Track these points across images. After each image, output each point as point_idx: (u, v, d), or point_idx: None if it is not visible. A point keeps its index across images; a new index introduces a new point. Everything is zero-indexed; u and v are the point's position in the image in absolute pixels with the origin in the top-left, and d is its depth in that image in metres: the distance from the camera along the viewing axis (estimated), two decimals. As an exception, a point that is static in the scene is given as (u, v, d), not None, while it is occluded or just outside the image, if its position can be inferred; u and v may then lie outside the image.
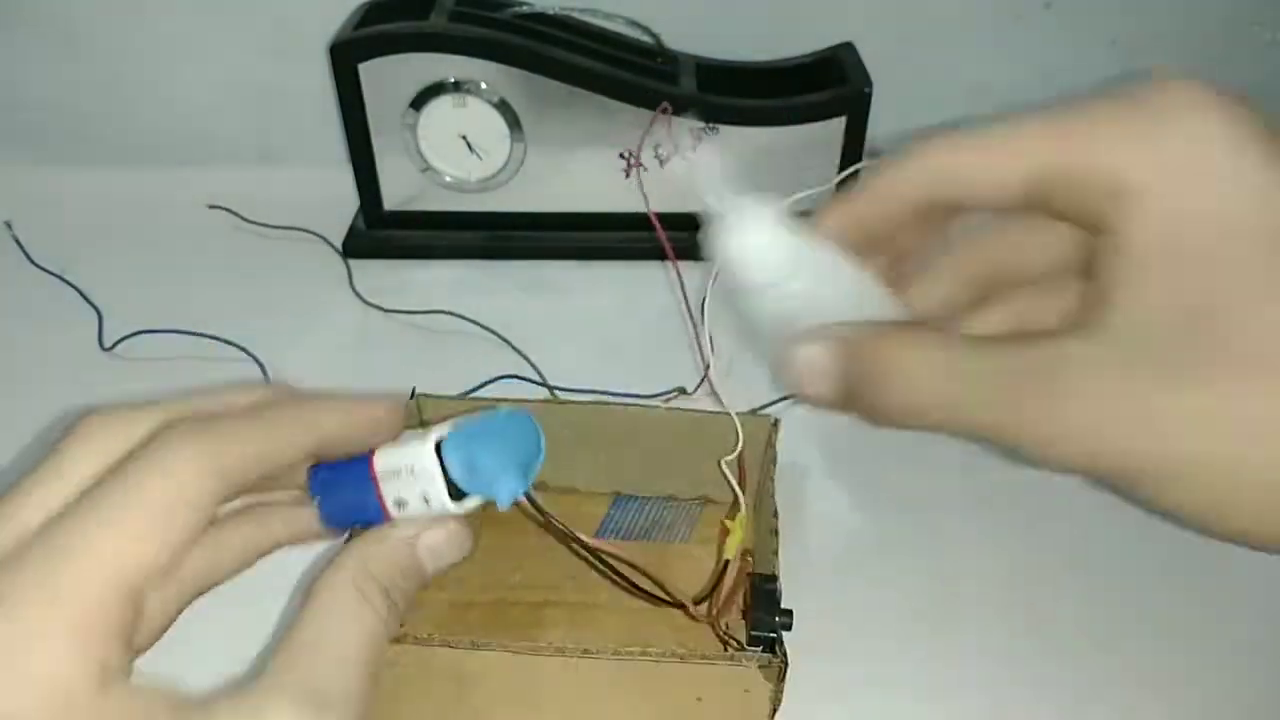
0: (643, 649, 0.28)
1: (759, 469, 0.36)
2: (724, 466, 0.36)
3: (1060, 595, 0.37)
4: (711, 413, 0.37)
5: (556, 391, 0.45)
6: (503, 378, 0.45)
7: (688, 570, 0.36)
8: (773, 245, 0.27)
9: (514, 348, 0.47)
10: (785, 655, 0.28)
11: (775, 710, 0.30)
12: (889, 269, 0.28)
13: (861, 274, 0.27)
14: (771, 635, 0.29)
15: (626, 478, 0.39)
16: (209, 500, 0.21)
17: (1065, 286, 0.26)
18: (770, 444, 0.36)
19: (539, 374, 0.45)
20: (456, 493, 0.24)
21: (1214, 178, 0.21)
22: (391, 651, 0.27)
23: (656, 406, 0.37)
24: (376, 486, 0.24)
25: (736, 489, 0.34)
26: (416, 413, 0.37)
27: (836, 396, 0.26)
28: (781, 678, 0.29)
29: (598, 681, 0.29)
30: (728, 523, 0.34)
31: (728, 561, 0.32)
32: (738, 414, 0.36)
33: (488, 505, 0.24)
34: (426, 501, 0.24)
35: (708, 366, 0.45)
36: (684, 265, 0.50)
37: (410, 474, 0.24)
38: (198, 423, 0.23)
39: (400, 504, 0.24)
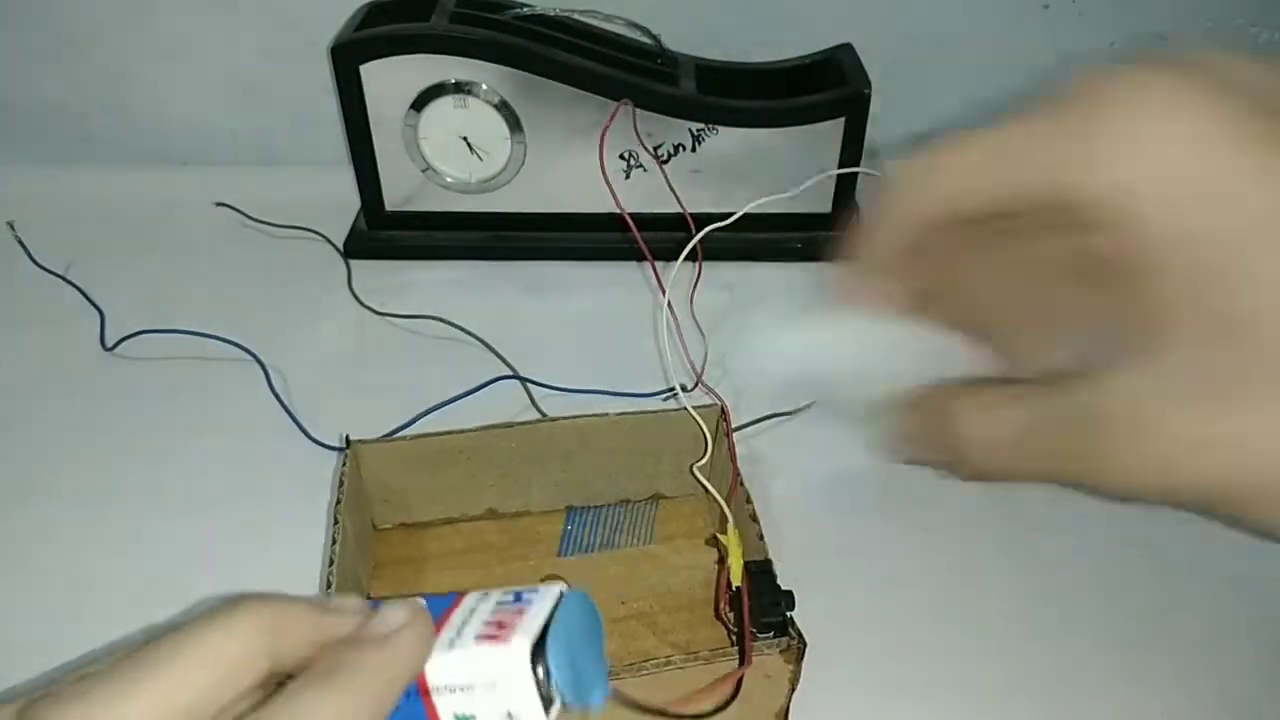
0: (666, 658, 0.28)
1: (720, 460, 0.37)
2: (696, 473, 0.36)
3: (1042, 568, 0.37)
4: (654, 412, 0.37)
5: (551, 392, 0.45)
6: (500, 379, 0.45)
7: (659, 573, 0.37)
8: (809, 357, 0.28)
9: (499, 355, 0.47)
10: (801, 634, 0.29)
11: (794, 689, 0.31)
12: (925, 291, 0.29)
13: (892, 330, 0.29)
14: (780, 619, 0.30)
15: (578, 490, 0.39)
16: (262, 655, 0.20)
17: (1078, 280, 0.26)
18: (725, 433, 0.36)
19: (519, 377, 0.46)
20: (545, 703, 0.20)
21: (1200, 194, 0.21)
22: None
23: (605, 414, 0.37)
24: (430, 708, 0.21)
25: (722, 503, 0.34)
26: (353, 463, 0.35)
27: (930, 456, 0.28)
28: (800, 658, 0.29)
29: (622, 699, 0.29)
30: (722, 539, 0.33)
31: (739, 588, 0.32)
32: (688, 409, 0.37)
33: None
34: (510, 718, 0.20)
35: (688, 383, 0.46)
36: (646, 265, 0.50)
37: (487, 689, 0.20)
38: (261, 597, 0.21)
39: None
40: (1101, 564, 0.38)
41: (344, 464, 0.35)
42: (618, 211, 0.52)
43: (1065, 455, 0.24)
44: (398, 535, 0.38)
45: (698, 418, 0.36)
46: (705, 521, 0.39)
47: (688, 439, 0.37)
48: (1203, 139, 0.21)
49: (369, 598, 0.28)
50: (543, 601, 0.22)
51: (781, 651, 0.29)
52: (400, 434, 0.39)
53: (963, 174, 0.25)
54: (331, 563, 0.31)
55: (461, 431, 0.36)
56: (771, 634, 0.29)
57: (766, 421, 0.43)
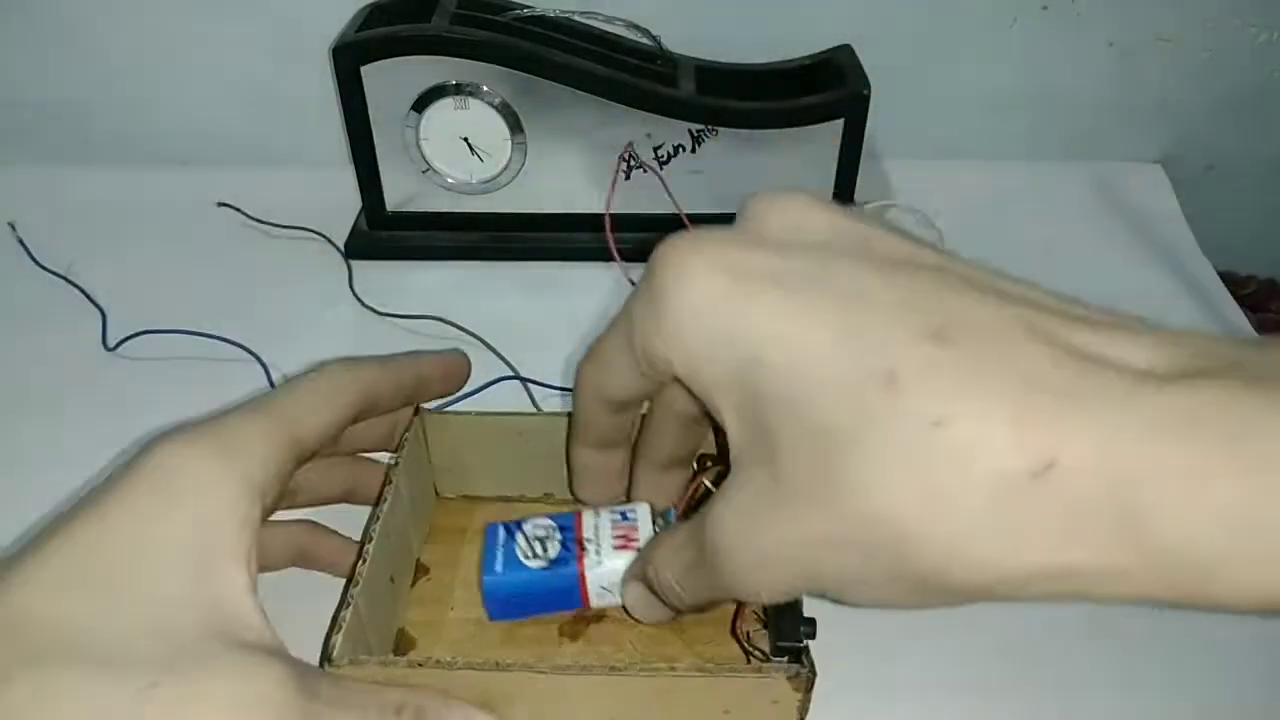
0: (670, 664, 0.28)
1: None
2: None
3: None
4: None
5: (554, 391, 0.45)
6: (503, 379, 0.45)
7: None
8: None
9: (499, 355, 0.47)
10: (813, 665, 0.29)
11: (802, 719, 0.30)
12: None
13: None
14: (797, 646, 0.29)
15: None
16: (353, 400, 0.32)
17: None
18: None
19: (520, 377, 0.46)
20: None
21: (699, 332, 0.24)
22: (414, 676, 0.28)
23: None
24: (584, 595, 0.33)
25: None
26: (418, 429, 0.37)
27: (661, 611, 0.31)
28: (809, 688, 0.29)
29: (624, 698, 0.29)
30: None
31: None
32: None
33: None
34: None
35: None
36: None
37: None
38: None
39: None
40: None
41: (408, 429, 0.36)
42: (618, 212, 0.53)
43: (707, 578, 0.26)
44: (459, 505, 0.39)
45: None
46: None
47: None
48: (706, 290, 0.23)
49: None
50: (644, 518, 0.33)
51: (790, 678, 0.28)
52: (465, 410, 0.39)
53: (600, 371, 0.29)
54: (377, 519, 0.32)
55: (523, 414, 0.38)
56: (786, 659, 0.29)
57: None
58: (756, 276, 0.23)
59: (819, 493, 0.21)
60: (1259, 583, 0.18)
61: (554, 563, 0.33)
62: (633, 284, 0.41)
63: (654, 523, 0.33)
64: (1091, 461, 0.18)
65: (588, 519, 0.34)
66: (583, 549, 0.32)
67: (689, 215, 0.53)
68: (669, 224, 0.49)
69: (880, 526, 0.20)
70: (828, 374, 0.21)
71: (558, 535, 0.33)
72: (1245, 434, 0.18)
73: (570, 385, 0.44)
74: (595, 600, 0.33)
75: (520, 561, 0.33)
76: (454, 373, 0.37)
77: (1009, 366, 0.20)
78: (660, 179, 0.51)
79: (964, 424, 0.19)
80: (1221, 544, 0.18)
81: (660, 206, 0.52)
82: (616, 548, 0.32)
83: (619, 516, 0.33)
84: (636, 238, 0.53)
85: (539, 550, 0.33)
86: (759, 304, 0.23)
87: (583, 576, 0.32)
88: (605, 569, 0.32)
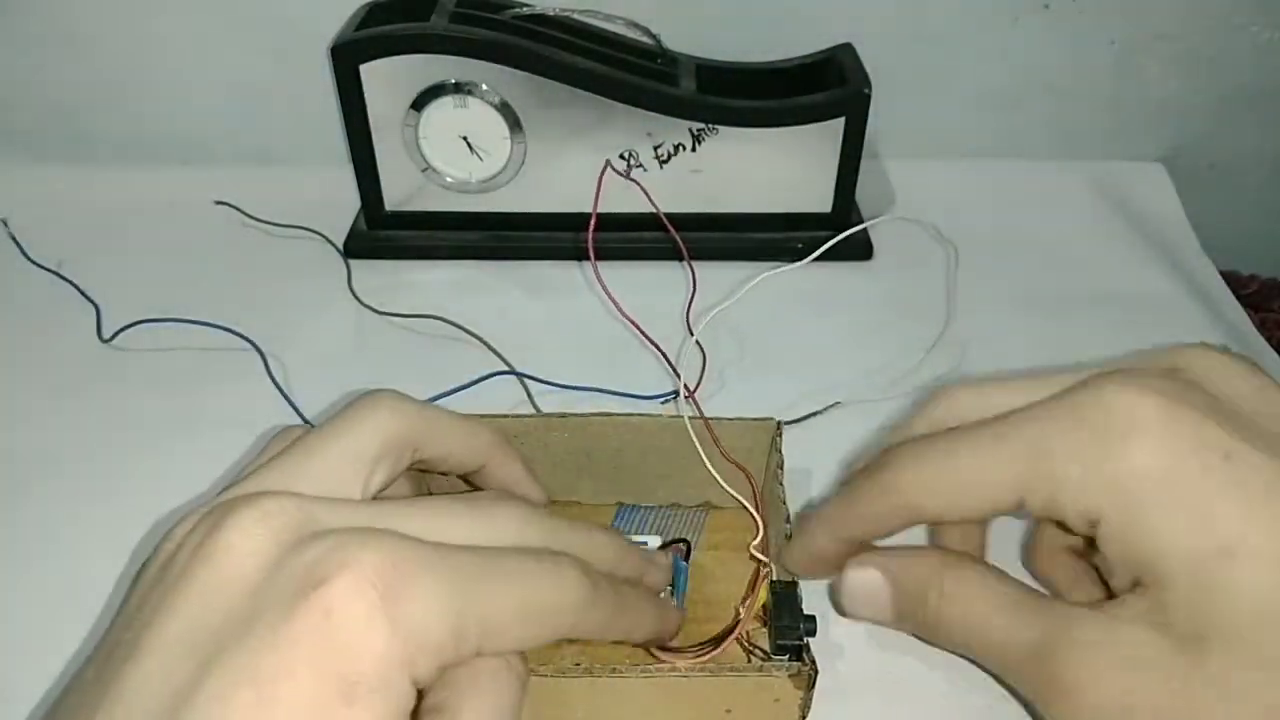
0: (671, 665, 0.28)
1: (767, 474, 0.36)
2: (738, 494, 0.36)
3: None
4: (710, 419, 0.36)
5: (551, 388, 0.45)
6: (495, 374, 0.45)
7: (697, 581, 0.36)
8: None
9: (496, 353, 0.47)
10: (814, 662, 0.28)
11: (804, 717, 0.30)
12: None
13: None
14: (798, 643, 0.29)
15: (628, 488, 0.39)
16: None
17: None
18: (775, 448, 0.36)
19: (515, 372, 0.46)
20: None
21: (1165, 507, 0.23)
22: None
23: (657, 415, 0.37)
24: None
25: (759, 519, 0.35)
26: None
27: (890, 615, 0.29)
28: (811, 685, 0.29)
29: (625, 700, 0.29)
30: (759, 556, 0.34)
31: (737, 622, 0.32)
32: (740, 420, 0.36)
33: None
34: None
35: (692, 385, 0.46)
36: (648, 265, 0.50)
37: None
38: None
39: None
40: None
41: None
42: (618, 212, 0.53)
43: (1042, 655, 0.25)
44: None
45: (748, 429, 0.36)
46: (753, 536, 0.37)
47: (741, 451, 0.36)
48: (1184, 466, 0.23)
49: None
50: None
51: (791, 676, 0.28)
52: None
53: (944, 480, 0.27)
54: None
55: (518, 416, 0.37)
56: (787, 657, 0.29)
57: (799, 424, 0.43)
58: (1239, 464, 0.23)
59: (1257, 689, 0.22)
60: None
61: None
62: (604, 287, 0.42)
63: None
64: None
65: None
66: None
67: (689, 215, 0.53)
68: (674, 223, 0.48)
69: None
70: None
71: None
72: None
73: (569, 383, 0.45)
74: None
75: None
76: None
77: None
78: (642, 189, 0.51)
79: None
80: None
81: (662, 206, 0.52)
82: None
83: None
84: (637, 236, 0.53)
85: None
86: (1240, 493, 0.23)
87: None
88: None
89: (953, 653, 0.28)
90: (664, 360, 0.43)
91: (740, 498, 0.35)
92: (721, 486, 0.35)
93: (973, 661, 0.28)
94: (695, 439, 0.35)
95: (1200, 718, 0.23)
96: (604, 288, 0.42)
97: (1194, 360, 0.26)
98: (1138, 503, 0.23)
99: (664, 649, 0.31)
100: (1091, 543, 0.25)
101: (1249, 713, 0.22)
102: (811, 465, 0.41)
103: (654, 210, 0.50)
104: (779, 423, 0.36)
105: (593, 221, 0.45)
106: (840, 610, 0.30)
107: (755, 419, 0.36)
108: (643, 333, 0.41)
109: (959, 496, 0.26)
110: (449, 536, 0.21)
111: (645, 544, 0.35)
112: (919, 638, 0.29)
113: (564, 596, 0.22)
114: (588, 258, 0.54)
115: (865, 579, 0.29)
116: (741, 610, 0.32)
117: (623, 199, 0.52)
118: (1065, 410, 0.25)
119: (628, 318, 0.41)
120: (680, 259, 0.49)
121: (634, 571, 0.28)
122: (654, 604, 0.29)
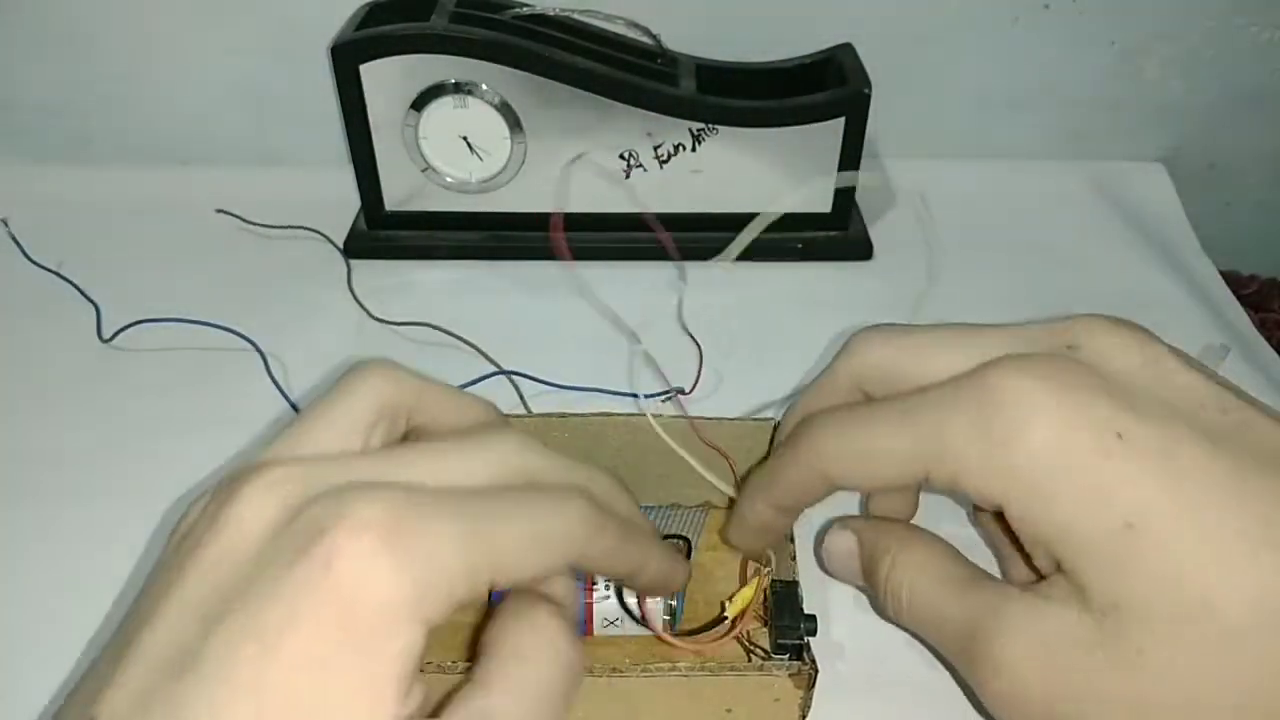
0: (672, 664, 0.28)
1: None
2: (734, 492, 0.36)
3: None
4: (709, 419, 0.36)
5: (551, 388, 0.45)
6: (492, 374, 0.45)
7: (695, 581, 0.36)
8: None
9: (487, 357, 0.47)
10: (814, 662, 0.28)
11: (804, 716, 0.30)
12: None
13: None
14: (798, 643, 0.29)
15: (630, 486, 0.39)
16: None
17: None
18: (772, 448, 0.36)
19: (505, 371, 0.46)
20: None
21: (1064, 490, 0.24)
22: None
23: (659, 415, 0.37)
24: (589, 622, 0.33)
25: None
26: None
27: (860, 577, 0.31)
28: (811, 685, 0.29)
29: (626, 700, 0.29)
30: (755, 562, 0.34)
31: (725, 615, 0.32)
32: (740, 420, 0.36)
33: None
34: None
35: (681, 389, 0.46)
36: (649, 265, 0.50)
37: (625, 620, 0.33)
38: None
39: None
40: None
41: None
42: (618, 212, 0.53)
43: (974, 630, 0.26)
44: None
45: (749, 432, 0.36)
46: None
47: (740, 452, 0.36)
48: (1076, 447, 0.24)
49: None
50: None
51: (791, 675, 0.28)
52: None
53: (848, 451, 0.28)
54: None
55: (519, 416, 0.37)
56: (787, 656, 0.29)
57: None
58: (1132, 439, 0.23)
59: (1178, 660, 0.22)
60: None
61: None
62: (580, 278, 0.42)
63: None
64: None
65: None
66: (592, 581, 0.32)
67: (689, 215, 0.53)
68: (672, 223, 0.48)
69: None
70: (1226, 557, 0.22)
71: None
72: None
73: (567, 384, 0.45)
74: (599, 630, 0.33)
75: None
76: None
77: None
78: (624, 188, 0.51)
79: None
80: None
81: (662, 206, 0.52)
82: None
83: None
84: (637, 236, 0.53)
85: None
86: (1135, 466, 0.23)
87: (589, 608, 0.32)
88: (611, 604, 0.32)
89: (904, 629, 0.29)
90: (652, 361, 0.43)
91: (727, 488, 0.35)
92: (710, 482, 0.35)
93: (919, 639, 0.29)
94: (669, 439, 0.35)
95: (1123, 692, 0.23)
96: (576, 273, 0.42)
97: (1087, 335, 0.26)
98: (1036, 487, 0.24)
99: (670, 636, 0.32)
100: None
101: (1169, 682, 0.22)
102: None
103: (653, 211, 0.50)
104: (779, 423, 0.36)
105: (567, 219, 0.45)
106: (824, 569, 0.32)
107: (755, 419, 0.36)
108: (632, 332, 0.41)
109: (871, 470, 0.27)
110: (452, 476, 0.22)
111: None
112: (885, 618, 0.30)
113: (570, 521, 0.22)
114: (587, 257, 0.54)
115: (841, 540, 0.31)
116: (727, 604, 0.32)
117: (623, 199, 0.52)
118: (964, 395, 0.25)
119: (626, 321, 0.41)
120: (681, 259, 0.48)
121: (629, 511, 0.27)
122: (658, 540, 0.28)
